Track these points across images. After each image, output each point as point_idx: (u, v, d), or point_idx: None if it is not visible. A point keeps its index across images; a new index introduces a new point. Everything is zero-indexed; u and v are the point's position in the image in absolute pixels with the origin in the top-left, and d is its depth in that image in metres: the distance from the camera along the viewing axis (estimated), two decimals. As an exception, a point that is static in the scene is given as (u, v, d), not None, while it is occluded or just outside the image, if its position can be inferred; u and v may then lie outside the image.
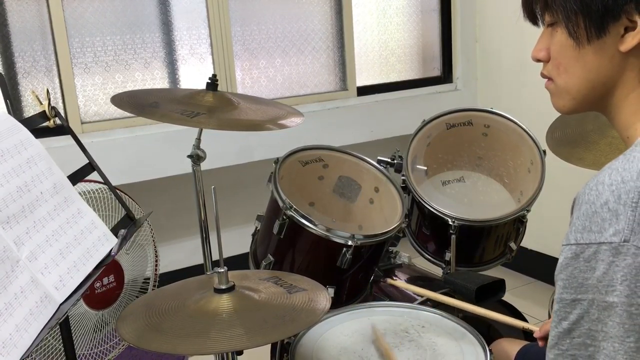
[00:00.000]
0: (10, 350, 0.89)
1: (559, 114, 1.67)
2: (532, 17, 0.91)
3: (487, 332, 1.68)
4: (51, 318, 1.01)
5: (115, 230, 1.29)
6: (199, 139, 1.67)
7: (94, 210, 1.28)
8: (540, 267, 2.99)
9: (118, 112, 2.65)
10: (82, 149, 1.35)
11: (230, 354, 1.35)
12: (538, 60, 0.92)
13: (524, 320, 1.80)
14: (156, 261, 1.81)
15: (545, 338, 1.28)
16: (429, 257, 1.94)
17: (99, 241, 1.22)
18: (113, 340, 1.70)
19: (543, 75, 0.93)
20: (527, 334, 1.71)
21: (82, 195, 1.26)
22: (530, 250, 2.99)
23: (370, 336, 1.42)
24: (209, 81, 1.67)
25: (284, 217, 1.61)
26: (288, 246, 1.67)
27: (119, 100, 1.58)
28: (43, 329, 0.98)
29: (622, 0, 0.80)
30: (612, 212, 0.73)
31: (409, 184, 1.84)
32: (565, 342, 0.76)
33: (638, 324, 0.71)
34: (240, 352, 1.27)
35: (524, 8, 0.92)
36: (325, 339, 1.42)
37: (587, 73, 0.86)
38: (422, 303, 1.69)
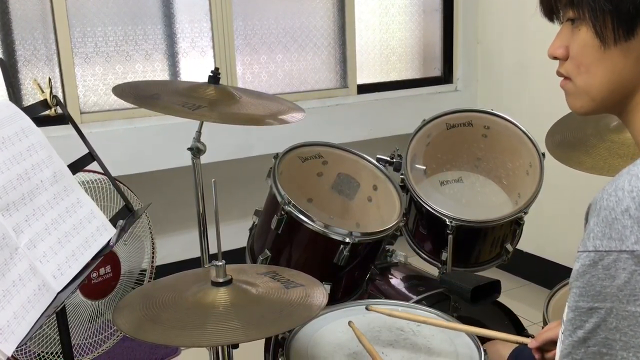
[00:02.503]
0: (8, 337, 0.89)
1: (559, 117, 1.68)
2: (549, 13, 0.88)
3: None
4: (49, 306, 1.01)
5: (113, 221, 1.29)
6: (199, 132, 1.67)
7: (93, 200, 1.27)
8: (535, 270, 2.99)
9: (117, 103, 2.65)
10: (82, 138, 1.35)
11: (226, 347, 1.35)
12: (555, 58, 0.89)
13: (518, 322, 1.81)
14: (153, 253, 1.81)
15: (540, 349, 1.25)
16: (426, 257, 1.95)
17: (98, 231, 1.22)
18: (108, 331, 1.69)
19: (559, 74, 0.90)
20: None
21: (81, 185, 1.26)
22: (525, 253, 3.00)
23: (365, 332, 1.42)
24: (211, 74, 1.67)
25: (282, 212, 1.61)
26: (285, 242, 1.67)
27: (120, 90, 1.57)
28: (40, 317, 0.98)
29: None
30: (634, 220, 0.71)
31: (408, 183, 1.85)
32: (579, 352, 0.74)
33: None
34: (236, 346, 1.27)
35: (542, 2, 0.88)
36: (320, 335, 1.43)
37: (610, 75, 0.83)
38: (417, 302, 1.69)
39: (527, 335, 1.61)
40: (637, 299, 0.70)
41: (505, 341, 1.36)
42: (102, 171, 1.40)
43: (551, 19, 0.89)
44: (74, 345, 1.56)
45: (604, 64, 0.83)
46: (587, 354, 0.74)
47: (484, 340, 1.43)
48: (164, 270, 1.56)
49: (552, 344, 1.22)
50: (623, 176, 0.74)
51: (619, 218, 0.72)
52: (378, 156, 1.90)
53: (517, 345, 1.42)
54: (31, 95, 2.53)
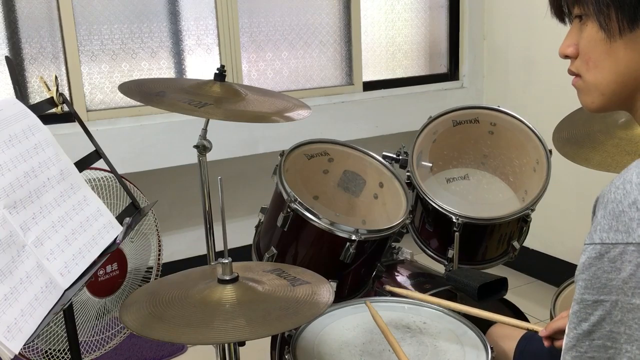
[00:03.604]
0: (15, 334, 0.89)
1: (566, 114, 1.67)
2: (559, 12, 0.90)
3: (488, 329, 1.68)
4: (56, 304, 1.01)
5: (120, 219, 1.29)
6: (205, 130, 1.67)
7: (99, 198, 1.28)
8: (542, 267, 2.98)
9: (124, 100, 2.65)
10: (89, 136, 1.35)
11: (232, 345, 1.35)
12: (566, 57, 0.90)
13: (525, 319, 1.80)
14: (159, 251, 1.81)
15: (550, 337, 1.27)
16: (432, 254, 1.94)
17: (104, 229, 1.22)
18: (115, 328, 1.70)
19: (570, 72, 0.91)
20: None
21: (87, 183, 1.26)
22: (532, 250, 2.99)
23: (372, 329, 1.42)
24: (217, 72, 1.67)
25: (288, 209, 1.61)
26: (291, 239, 1.67)
27: (126, 88, 1.57)
28: (48, 314, 0.98)
29: None
30: None
31: (414, 180, 1.84)
32: (584, 344, 0.75)
33: None
34: (242, 343, 1.27)
35: (552, 3, 0.90)
36: (326, 332, 1.43)
37: (618, 67, 0.84)
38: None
39: (536, 332, 1.59)
40: None
41: (516, 327, 1.36)
42: (108, 169, 1.41)
43: (562, 20, 0.91)
44: (81, 342, 1.57)
45: (611, 57, 0.84)
46: (592, 347, 0.74)
47: (489, 324, 1.41)
48: (170, 268, 1.57)
49: (562, 333, 1.22)
50: (631, 169, 0.74)
51: (626, 211, 0.72)
52: (384, 153, 1.90)
53: (522, 333, 1.40)
54: (38, 93, 2.54)
